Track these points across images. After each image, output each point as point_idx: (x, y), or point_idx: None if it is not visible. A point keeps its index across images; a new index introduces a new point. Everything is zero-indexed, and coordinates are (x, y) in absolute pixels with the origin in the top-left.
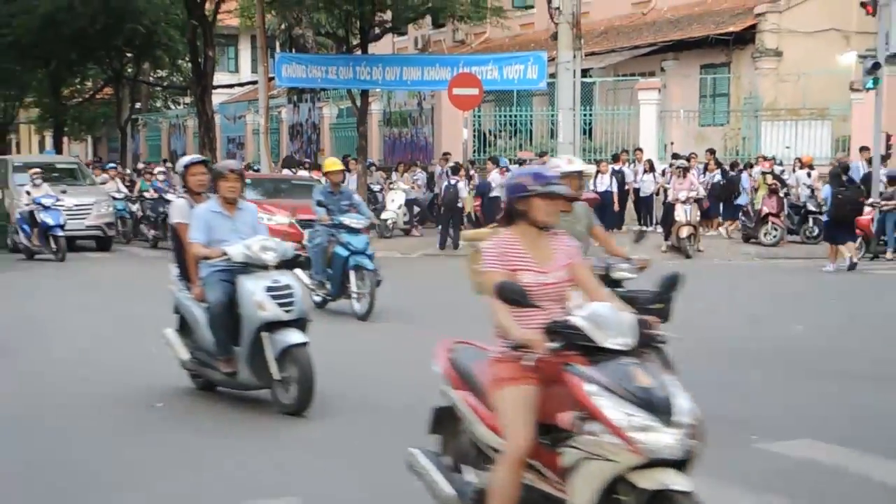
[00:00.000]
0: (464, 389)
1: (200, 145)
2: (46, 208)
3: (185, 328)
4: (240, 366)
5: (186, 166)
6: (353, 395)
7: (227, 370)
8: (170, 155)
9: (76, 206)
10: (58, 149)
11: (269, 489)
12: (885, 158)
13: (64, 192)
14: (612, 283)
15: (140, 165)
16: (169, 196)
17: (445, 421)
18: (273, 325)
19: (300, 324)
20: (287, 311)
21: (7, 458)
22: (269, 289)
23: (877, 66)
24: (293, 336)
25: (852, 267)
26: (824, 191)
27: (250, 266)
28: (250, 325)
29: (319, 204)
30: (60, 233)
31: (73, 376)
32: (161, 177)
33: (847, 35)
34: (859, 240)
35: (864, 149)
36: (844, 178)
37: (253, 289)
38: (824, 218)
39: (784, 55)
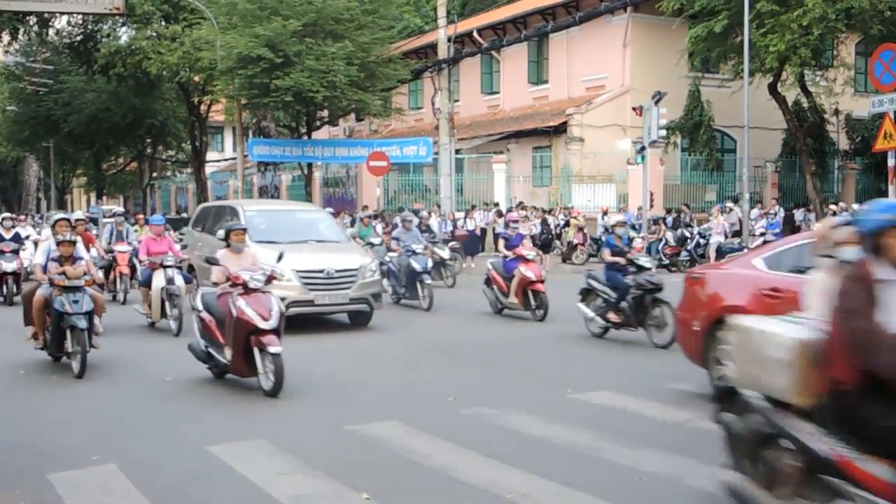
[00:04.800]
0: None
1: (197, 202)
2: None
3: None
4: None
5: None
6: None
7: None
8: (177, 208)
9: (339, 272)
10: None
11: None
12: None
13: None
14: None
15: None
16: (416, 247)
17: None
18: None
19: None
20: None
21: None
22: None
23: (643, 148)
24: None
25: None
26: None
27: None
28: None
29: None
30: (428, 280)
31: None
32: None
33: (624, 128)
34: None
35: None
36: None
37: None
38: None
39: (585, 141)
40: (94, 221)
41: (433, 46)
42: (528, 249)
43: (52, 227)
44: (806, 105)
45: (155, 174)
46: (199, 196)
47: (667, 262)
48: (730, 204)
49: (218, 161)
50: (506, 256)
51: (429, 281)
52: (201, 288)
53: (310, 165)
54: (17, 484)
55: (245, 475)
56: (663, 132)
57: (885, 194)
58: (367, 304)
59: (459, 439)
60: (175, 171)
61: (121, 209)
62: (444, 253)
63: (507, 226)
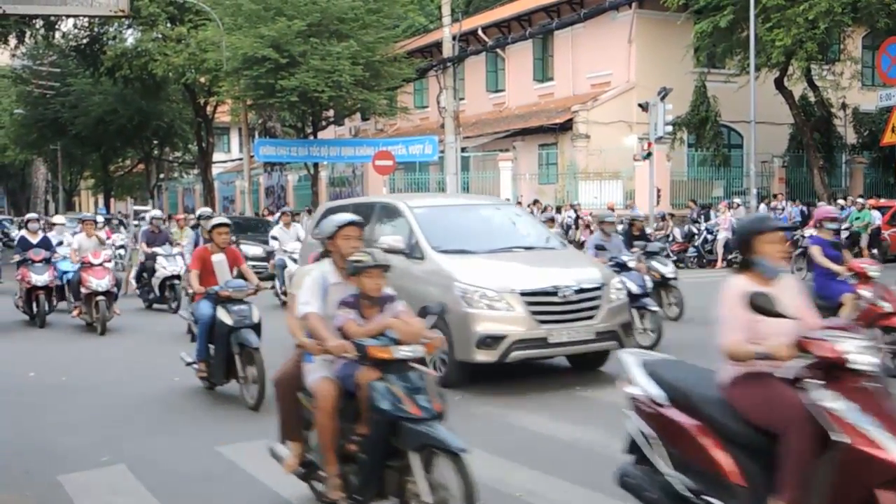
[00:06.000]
0: None
1: (204, 202)
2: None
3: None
4: None
5: None
6: None
7: None
8: (183, 209)
9: (579, 293)
10: (107, 207)
11: None
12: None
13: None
14: None
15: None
16: (627, 258)
17: None
18: None
19: None
20: None
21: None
22: None
23: (649, 144)
24: None
25: None
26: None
27: None
28: None
29: None
30: (654, 306)
31: None
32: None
33: (630, 124)
34: None
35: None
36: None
37: None
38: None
39: (591, 137)
40: (113, 223)
41: (438, 45)
42: (869, 263)
43: (331, 238)
44: (813, 99)
45: (162, 175)
46: (206, 197)
47: (674, 258)
48: (737, 200)
49: (224, 162)
50: (827, 272)
51: (654, 308)
52: (632, 354)
53: (316, 165)
54: (27, 485)
55: (254, 475)
56: (669, 128)
57: (893, 188)
58: (617, 341)
59: (467, 437)
60: (182, 173)
61: (208, 210)
62: (667, 269)
63: (819, 225)
